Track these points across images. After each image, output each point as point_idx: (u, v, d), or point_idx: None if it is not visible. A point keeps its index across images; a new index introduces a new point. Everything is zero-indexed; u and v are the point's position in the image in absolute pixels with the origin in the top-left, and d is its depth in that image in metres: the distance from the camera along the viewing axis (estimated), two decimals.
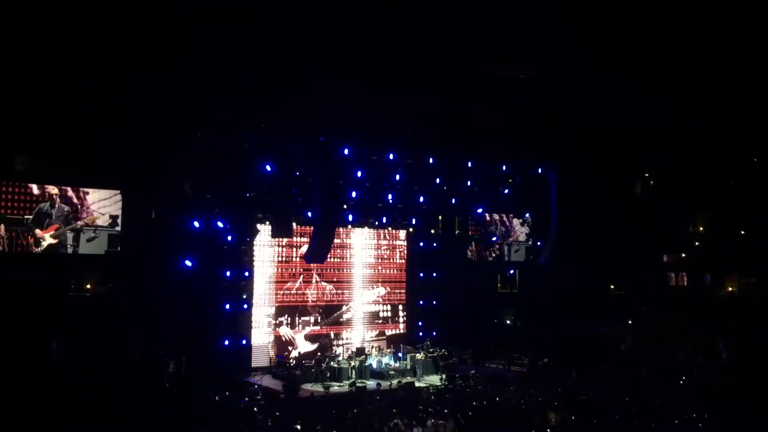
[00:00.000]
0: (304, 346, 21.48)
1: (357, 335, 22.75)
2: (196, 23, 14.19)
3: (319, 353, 20.83)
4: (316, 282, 22.15)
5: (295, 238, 21.35)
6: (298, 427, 13.09)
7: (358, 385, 18.66)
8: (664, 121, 20.82)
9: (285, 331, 21.24)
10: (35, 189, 17.81)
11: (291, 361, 20.71)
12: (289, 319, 21.41)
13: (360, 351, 20.99)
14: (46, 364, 16.53)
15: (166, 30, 14.28)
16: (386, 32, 14.92)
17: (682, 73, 17.28)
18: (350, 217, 21.80)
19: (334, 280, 22.61)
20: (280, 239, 21.18)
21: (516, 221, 25.60)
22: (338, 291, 22.65)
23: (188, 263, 18.56)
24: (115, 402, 14.54)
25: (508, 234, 25.49)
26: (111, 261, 18.89)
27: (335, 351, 21.51)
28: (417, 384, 19.37)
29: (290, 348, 21.26)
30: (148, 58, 15.31)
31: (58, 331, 17.46)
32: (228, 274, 19.58)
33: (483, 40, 15.56)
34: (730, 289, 26.87)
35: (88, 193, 18.47)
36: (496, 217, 25.27)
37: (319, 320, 22.07)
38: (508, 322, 25.74)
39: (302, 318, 21.71)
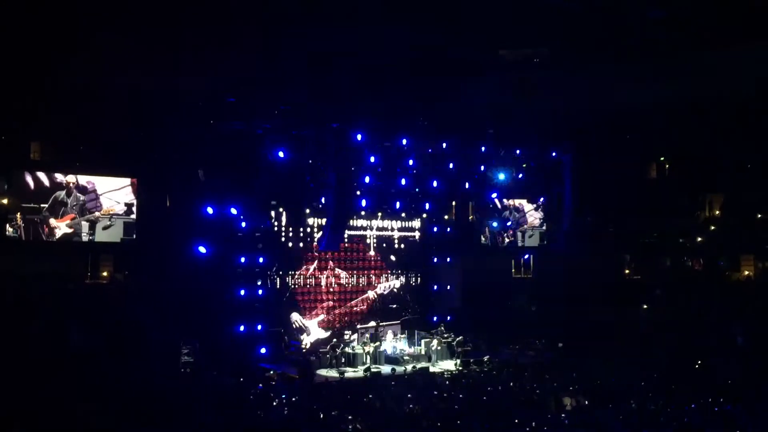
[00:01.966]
0: (318, 332, 21.55)
1: (371, 321, 22.74)
2: (208, 8, 14.11)
3: (333, 339, 20.88)
4: (331, 268, 22.18)
5: (309, 223, 21.45)
6: (321, 414, 13.14)
7: (372, 370, 18.73)
8: (680, 102, 20.49)
9: (299, 317, 21.30)
10: (52, 177, 17.91)
11: (305, 346, 20.78)
12: (303, 305, 21.47)
13: (374, 337, 21.03)
14: (61, 351, 16.67)
15: (179, 16, 14.23)
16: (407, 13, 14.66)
17: (698, 51, 16.93)
18: (363, 203, 21.75)
19: (348, 266, 22.64)
20: (293, 227, 21.25)
21: (530, 206, 25.45)
22: (352, 277, 22.69)
23: (202, 250, 18.64)
24: (130, 388, 14.67)
25: (523, 219, 25.35)
26: (127, 248, 19.03)
27: (350, 337, 21.54)
28: (431, 369, 19.43)
29: (305, 334, 21.33)
30: (161, 45, 15.29)
31: (73, 318, 17.60)
32: (242, 260, 19.65)
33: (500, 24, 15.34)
34: (746, 273, 26.63)
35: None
36: (512, 202, 25.15)
37: (333, 306, 22.11)
38: (523, 307, 25.65)
39: (316, 304, 21.77)
